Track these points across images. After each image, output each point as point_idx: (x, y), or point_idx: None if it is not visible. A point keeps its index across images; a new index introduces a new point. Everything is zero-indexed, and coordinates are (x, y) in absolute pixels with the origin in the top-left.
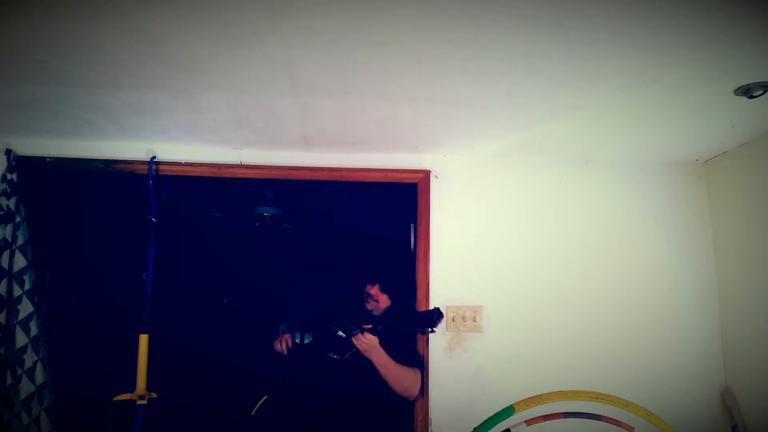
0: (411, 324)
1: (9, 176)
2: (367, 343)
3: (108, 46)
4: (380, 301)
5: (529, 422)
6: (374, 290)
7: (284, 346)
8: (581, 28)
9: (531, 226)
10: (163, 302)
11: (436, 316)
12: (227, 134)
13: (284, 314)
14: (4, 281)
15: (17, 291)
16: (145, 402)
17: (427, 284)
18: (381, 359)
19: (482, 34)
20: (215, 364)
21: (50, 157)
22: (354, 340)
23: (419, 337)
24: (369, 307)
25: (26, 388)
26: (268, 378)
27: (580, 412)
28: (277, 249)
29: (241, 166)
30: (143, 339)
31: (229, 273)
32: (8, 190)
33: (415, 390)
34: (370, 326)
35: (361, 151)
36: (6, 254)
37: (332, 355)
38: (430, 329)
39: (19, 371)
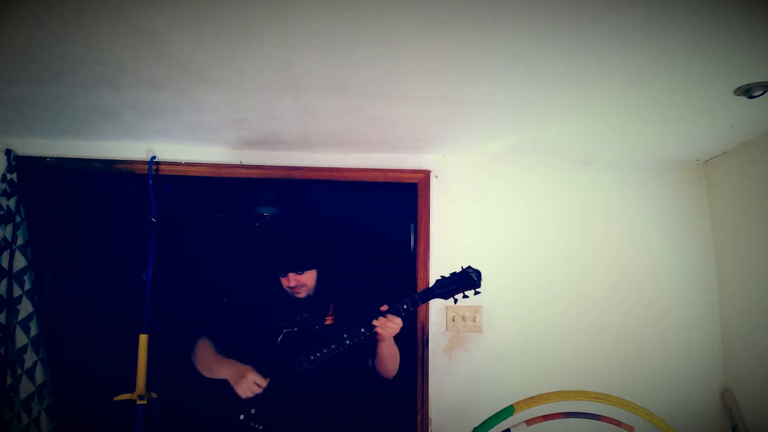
0: (449, 290)
1: (9, 176)
2: (395, 328)
3: (108, 45)
4: (307, 281)
5: (529, 422)
6: (293, 279)
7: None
8: (581, 27)
9: (531, 226)
10: (163, 302)
11: (476, 275)
12: (227, 134)
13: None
14: (4, 281)
15: (17, 291)
16: (145, 402)
17: (427, 284)
18: (391, 342)
19: (482, 34)
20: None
21: (50, 157)
22: (378, 327)
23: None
24: (300, 296)
25: (26, 388)
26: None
27: (580, 412)
28: (277, 249)
29: (241, 166)
30: (143, 339)
31: (229, 273)
32: (8, 190)
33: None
34: (387, 307)
35: (361, 151)
36: (6, 254)
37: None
38: (475, 291)
39: (19, 371)
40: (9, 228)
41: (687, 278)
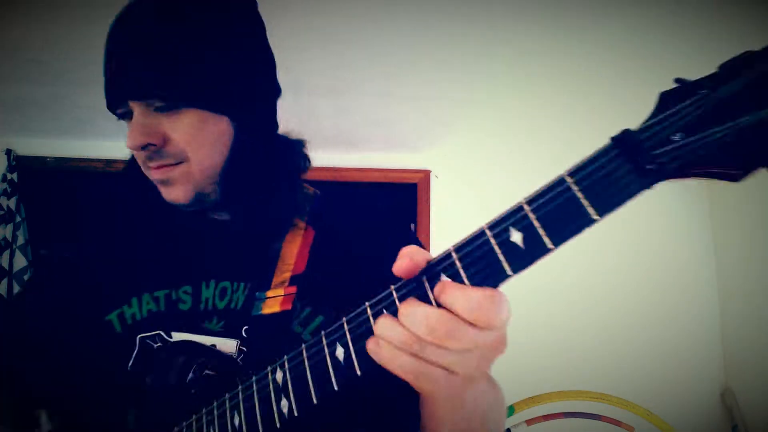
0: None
1: (9, 176)
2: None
3: None
4: (181, 139)
5: (529, 422)
6: (139, 130)
7: None
8: (581, 28)
9: None
10: None
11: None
12: None
13: None
14: (4, 281)
15: (17, 291)
16: None
17: None
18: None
19: (481, 34)
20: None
21: (50, 157)
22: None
23: None
24: (172, 196)
25: None
26: None
27: (580, 412)
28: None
29: None
30: None
31: None
32: (8, 190)
33: None
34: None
35: (361, 151)
36: (6, 254)
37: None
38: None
39: None
40: (9, 228)
41: (687, 278)
